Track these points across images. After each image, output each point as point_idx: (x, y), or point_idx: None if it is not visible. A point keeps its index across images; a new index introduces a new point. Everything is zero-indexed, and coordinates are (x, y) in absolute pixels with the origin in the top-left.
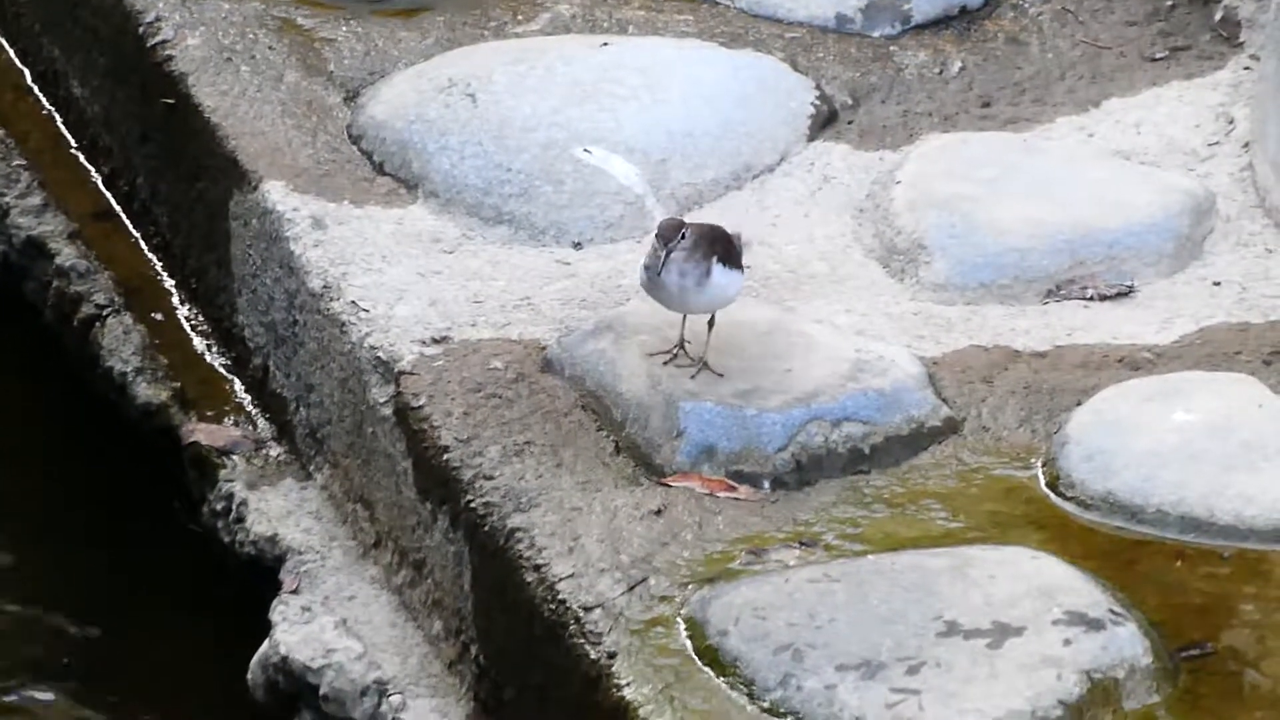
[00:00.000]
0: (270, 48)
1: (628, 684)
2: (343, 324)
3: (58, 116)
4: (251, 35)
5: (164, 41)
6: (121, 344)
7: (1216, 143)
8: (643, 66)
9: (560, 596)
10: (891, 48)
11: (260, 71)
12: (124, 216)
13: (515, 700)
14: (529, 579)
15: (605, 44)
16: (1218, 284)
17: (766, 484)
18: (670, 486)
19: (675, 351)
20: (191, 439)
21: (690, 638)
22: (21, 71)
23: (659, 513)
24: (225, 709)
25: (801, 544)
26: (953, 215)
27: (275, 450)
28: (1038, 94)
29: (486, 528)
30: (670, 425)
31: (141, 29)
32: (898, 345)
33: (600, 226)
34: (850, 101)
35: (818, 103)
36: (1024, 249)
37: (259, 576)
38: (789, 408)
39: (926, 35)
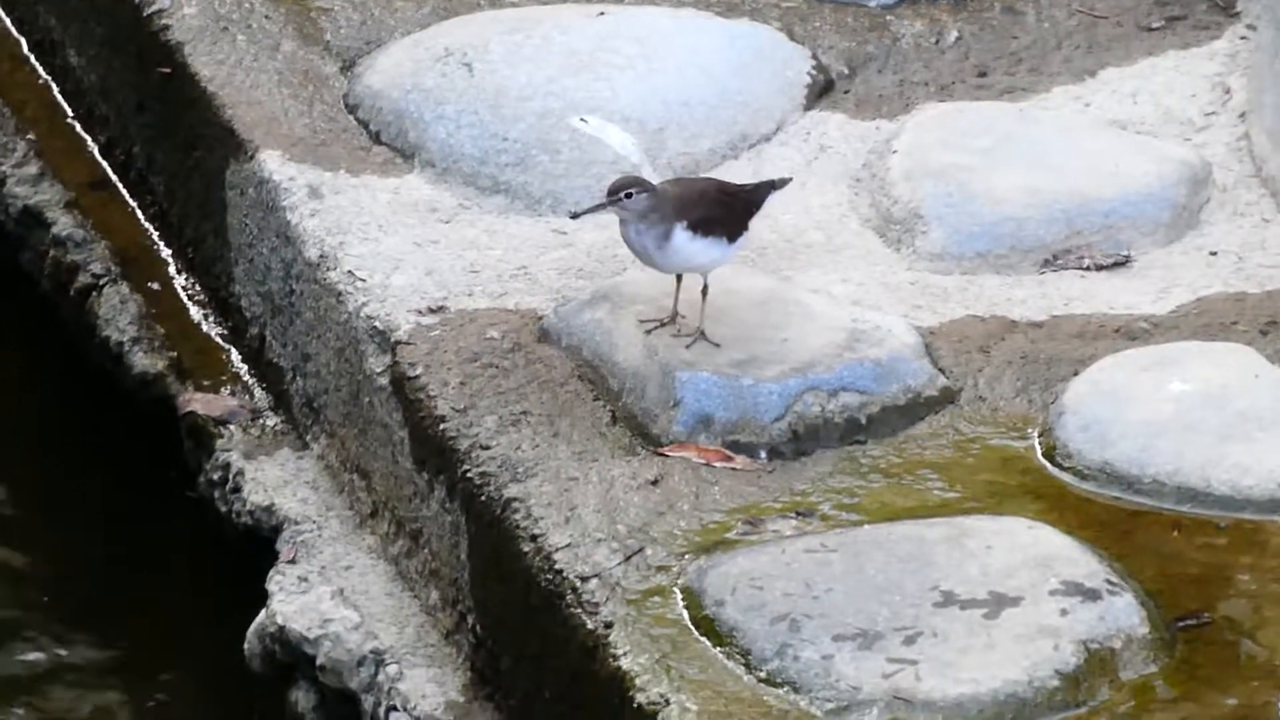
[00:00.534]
0: (266, 17)
1: (624, 654)
2: (339, 293)
3: (54, 85)
4: (248, 4)
5: (160, 10)
6: (118, 313)
7: (1213, 112)
8: (639, 36)
9: (557, 566)
10: (888, 17)
11: (256, 41)
12: (120, 186)
13: (512, 670)
14: (526, 549)
15: (602, 13)
16: (1214, 254)
17: (763, 454)
18: (667, 456)
19: (665, 320)
20: (188, 409)
21: (687, 608)
22: (18, 40)
23: (655, 483)
24: (221, 678)
25: (798, 514)
26: (949, 185)
27: (272, 420)
28: (1034, 63)
29: (483, 497)
30: (667, 395)
31: None
32: (894, 315)
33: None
34: (846, 71)
35: (814, 72)
36: (1020, 219)
37: (256, 546)
38: (785, 378)
39: (923, 4)
